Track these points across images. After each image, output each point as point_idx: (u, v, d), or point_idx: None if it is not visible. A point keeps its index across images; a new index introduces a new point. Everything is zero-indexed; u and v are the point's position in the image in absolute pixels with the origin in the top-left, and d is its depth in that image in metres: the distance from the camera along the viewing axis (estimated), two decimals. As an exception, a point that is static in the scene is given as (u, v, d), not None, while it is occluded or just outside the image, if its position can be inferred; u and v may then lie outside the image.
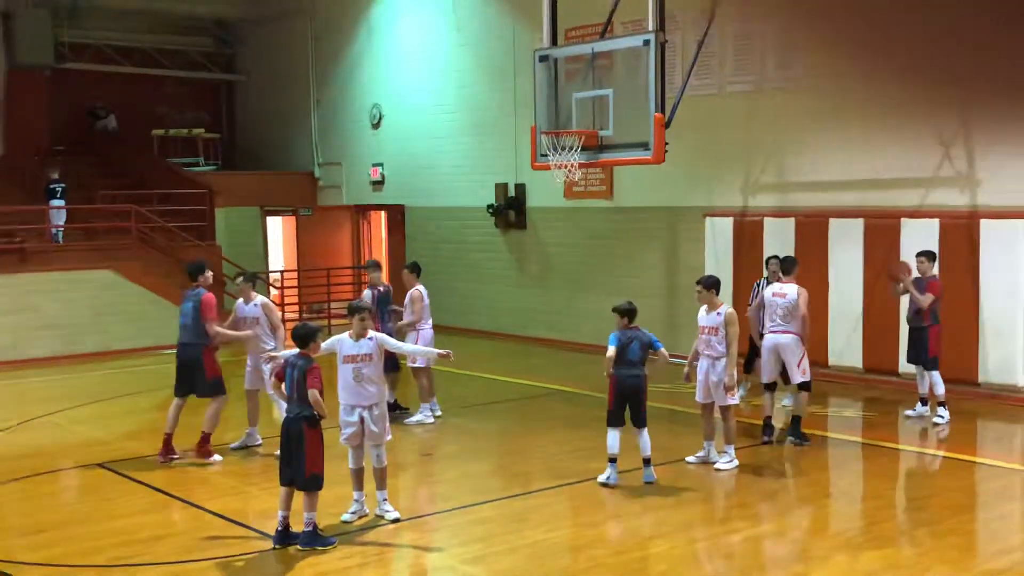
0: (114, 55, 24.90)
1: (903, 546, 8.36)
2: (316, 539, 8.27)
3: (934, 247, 12.97)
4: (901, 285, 12.25)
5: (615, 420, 9.82)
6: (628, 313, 9.81)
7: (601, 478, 9.84)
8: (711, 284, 10.51)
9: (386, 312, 12.68)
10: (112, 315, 18.83)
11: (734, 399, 10.42)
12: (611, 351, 9.68)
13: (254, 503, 9.61)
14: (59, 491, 10.65)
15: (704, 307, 10.47)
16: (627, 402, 9.79)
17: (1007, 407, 13.03)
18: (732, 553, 8.19)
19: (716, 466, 10.32)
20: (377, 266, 13.34)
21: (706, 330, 10.40)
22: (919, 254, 12.34)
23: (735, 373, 10.36)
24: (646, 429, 9.85)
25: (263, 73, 26.02)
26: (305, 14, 24.10)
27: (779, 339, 11.31)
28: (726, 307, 10.44)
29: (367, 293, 12.67)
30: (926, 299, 12.02)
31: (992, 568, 7.78)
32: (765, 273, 13.03)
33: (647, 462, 9.86)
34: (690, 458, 10.57)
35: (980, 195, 13.54)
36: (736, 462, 10.35)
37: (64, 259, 19.19)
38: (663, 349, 9.83)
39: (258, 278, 13.12)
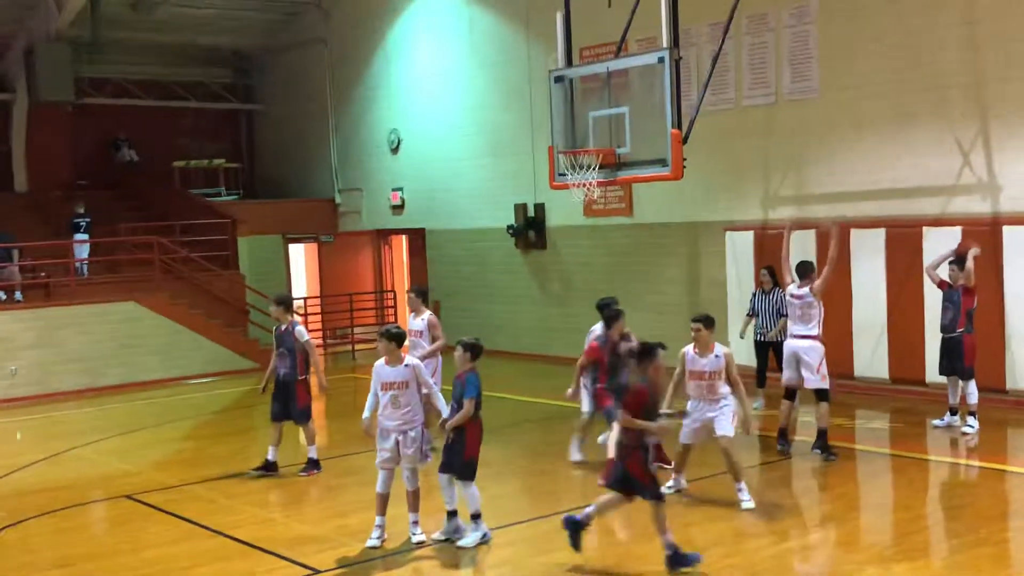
0: (134, 89, 25.18)
1: (935, 558, 8.28)
2: (682, 559, 7.95)
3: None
4: (970, 254, 12.16)
5: (475, 471, 8.85)
6: (476, 350, 8.92)
7: (473, 540, 8.77)
8: (712, 323, 9.74)
9: (280, 352, 11.50)
10: (137, 347, 18.95)
11: (731, 432, 9.64)
12: (471, 404, 8.65)
13: (282, 531, 9.61)
14: (89, 524, 10.70)
15: (691, 348, 9.67)
16: None
17: (1037, 414, 12.92)
18: (763, 569, 8.13)
19: (744, 507, 9.51)
20: (282, 302, 11.81)
21: (707, 375, 9.59)
22: (951, 262, 12.28)
23: (750, 410, 10.08)
24: None
25: (282, 102, 26.22)
26: (322, 43, 24.30)
27: (797, 344, 11.26)
28: (722, 347, 9.70)
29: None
30: (971, 275, 12.00)
31: (1026, 578, 7.70)
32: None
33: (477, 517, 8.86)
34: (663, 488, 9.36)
35: (1002, 201, 13.46)
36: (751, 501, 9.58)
37: (88, 292, 19.33)
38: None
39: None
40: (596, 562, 8.51)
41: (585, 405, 11.43)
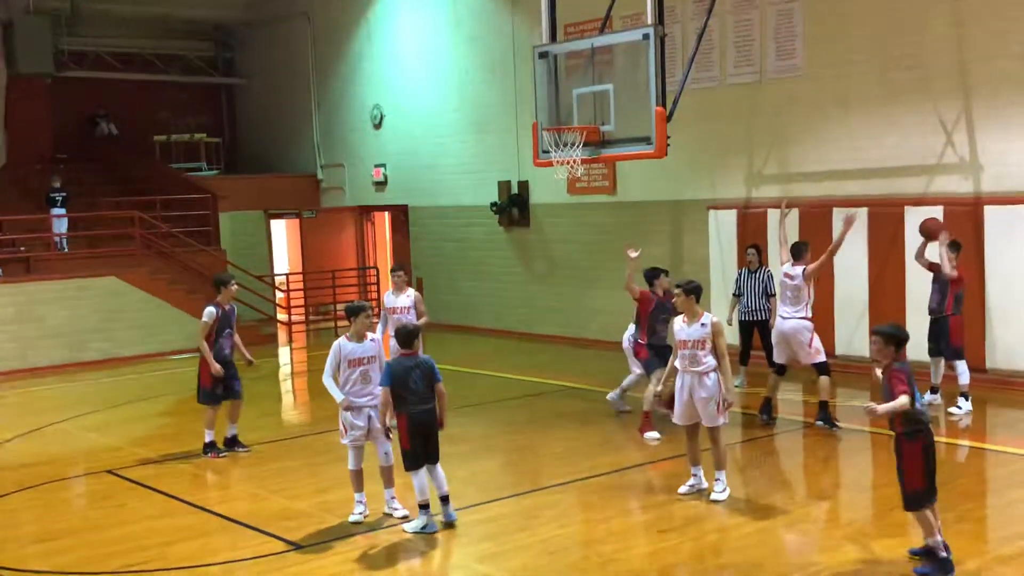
0: (114, 62, 24.93)
1: (914, 535, 8.32)
2: (942, 565, 7.30)
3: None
4: (938, 243, 12.02)
5: (416, 462, 8.49)
6: (404, 337, 8.61)
7: (414, 527, 8.56)
8: (691, 290, 9.28)
9: (228, 334, 11.38)
10: (118, 322, 18.86)
11: (724, 419, 9.27)
12: (385, 392, 8.42)
13: (263, 506, 9.61)
14: (70, 498, 10.68)
15: (681, 318, 9.30)
16: (424, 440, 8.48)
17: (1015, 393, 13.00)
18: (743, 545, 8.18)
19: (712, 497, 9.16)
20: (224, 282, 11.52)
21: (690, 344, 9.16)
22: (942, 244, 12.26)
23: (732, 385, 9.37)
24: (439, 464, 8.69)
25: (263, 76, 26.03)
26: (304, 16, 24.10)
27: (784, 324, 11.33)
28: (710, 316, 9.27)
29: (210, 311, 11.28)
30: (951, 271, 11.83)
31: (1003, 554, 7.77)
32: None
33: (446, 500, 8.66)
34: (682, 489, 9.38)
35: (984, 181, 13.51)
36: (728, 490, 9.22)
37: (69, 267, 19.22)
38: (441, 384, 8.57)
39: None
40: (579, 536, 8.56)
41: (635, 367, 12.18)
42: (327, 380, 8.88)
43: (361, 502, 8.99)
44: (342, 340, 8.89)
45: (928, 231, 12.31)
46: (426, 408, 8.46)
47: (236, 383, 11.48)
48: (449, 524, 8.63)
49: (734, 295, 13.78)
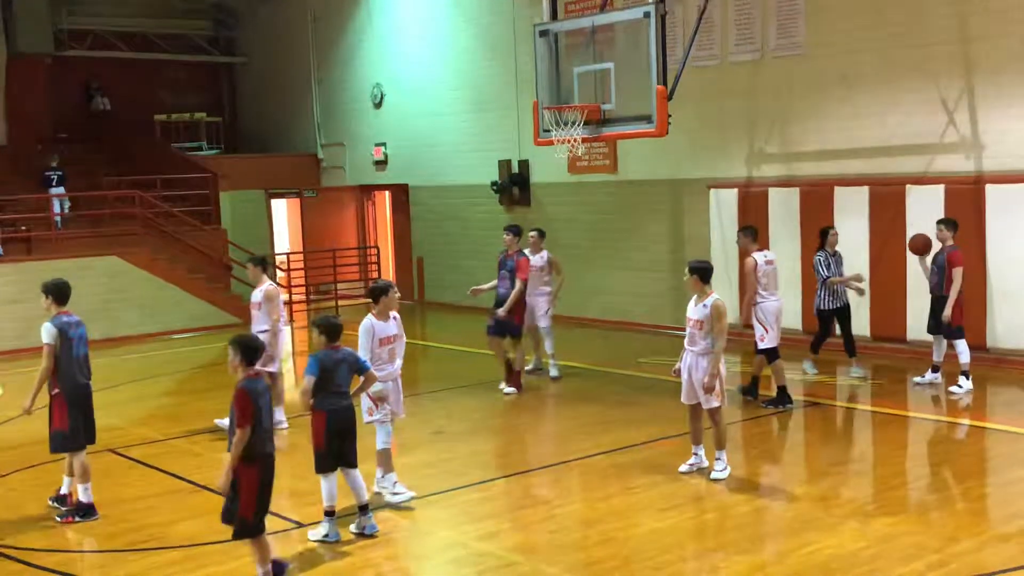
0: (114, 40, 24.85)
1: (914, 513, 8.37)
2: None
3: (940, 213, 12.93)
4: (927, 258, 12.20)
5: (329, 464, 8.04)
6: (331, 330, 8.06)
7: (316, 535, 8.10)
8: (694, 269, 9.22)
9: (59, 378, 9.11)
10: (119, 302, 18.86)
11: (718, 401, 9.15)
12: (309, 380, 7.85)
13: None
14: (72, 478, 10.69)
15: (695, 296, 9.26)
16: (340, 440, 8.03)
17: (1016, 372, 13.02)
18: (743, 523, 8.21)
19: (712, 476, 9.18)
20: (50, 291, 9.41)
21: (691, 322, 9.16)
22: (939, 222, 12.23)
23: (719, 372, 9.08)
24: (357, 468, 8.20)
25: (264, 55, 25.96)
26: (304, -6, 24.05)
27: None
28: (714, 297, 9.11)
29: (47, 327, 9.24)
30: (954, 289, 11.86)
31: (1003, 533, 7.79)
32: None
33: (365, 509, 8.16)
34: (682, 467, 9.41)
35: (985, 160, 13.48)
36: (729, 469, 9.26)
37: (70, 247, 19.20)
38: (372, 369, 8.31)
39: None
40: (579, 515, 8.59)
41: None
42: (363, 361, 8.65)
43: (396, 481, 8.93)
44: (372, 319, 8.78)
45: (917, 247, 12.42)
46: (347, 405, 8.06)
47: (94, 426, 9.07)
48: (371, 535, 8.09)
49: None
